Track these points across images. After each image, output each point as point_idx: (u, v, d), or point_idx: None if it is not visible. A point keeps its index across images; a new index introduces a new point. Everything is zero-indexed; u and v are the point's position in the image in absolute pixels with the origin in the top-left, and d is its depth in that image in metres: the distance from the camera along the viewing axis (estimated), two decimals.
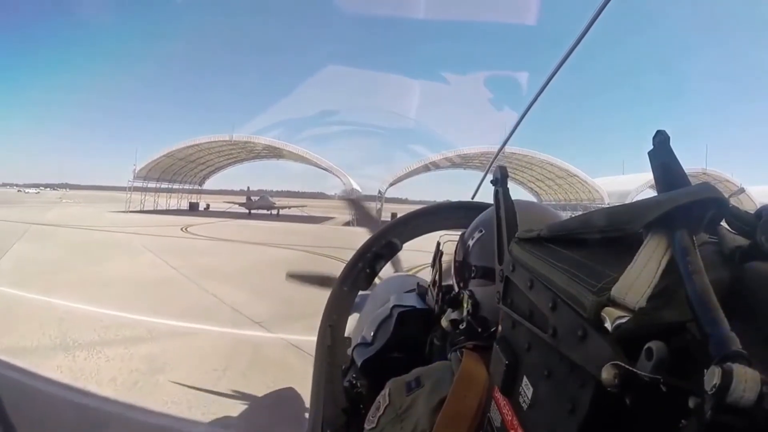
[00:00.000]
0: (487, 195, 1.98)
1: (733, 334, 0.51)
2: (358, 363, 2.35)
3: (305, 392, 3.20)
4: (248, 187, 63.13)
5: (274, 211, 58.50)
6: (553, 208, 1.64)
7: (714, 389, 0.46)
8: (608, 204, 33.94)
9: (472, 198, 3.38)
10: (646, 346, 0.56)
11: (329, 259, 18.96)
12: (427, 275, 2.61)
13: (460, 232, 1.88)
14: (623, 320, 0.58)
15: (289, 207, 62.90)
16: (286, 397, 5.67)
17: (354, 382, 2.39)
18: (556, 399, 0.72)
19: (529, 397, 0.81)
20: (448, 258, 1.98)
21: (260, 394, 6.25)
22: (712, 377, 0.47)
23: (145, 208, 53.71)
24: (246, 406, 5.95)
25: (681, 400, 0.53)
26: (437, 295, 1.96)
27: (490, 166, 4.88)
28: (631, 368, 0.55)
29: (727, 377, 0.46)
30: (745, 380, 0.45)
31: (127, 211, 49.50)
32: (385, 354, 2.25)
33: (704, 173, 43.72)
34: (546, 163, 48.84)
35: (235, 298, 11.29)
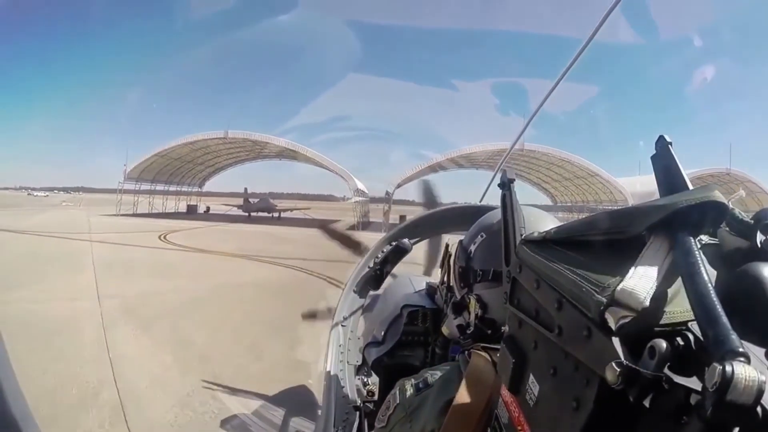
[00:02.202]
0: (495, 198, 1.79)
1: (734, 333, 0.52)
2: (370, 361, 2.47)
3: (317, 390, 3.47)
4: (245, 189, 59.46)
5: (276, 214, 55.06)
6: (550, 212, 1.76)
7: (715, 387, 0.47)
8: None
9: (480, 201, 3.41)
10: (648, 345, 0.58)
11: (320, 279, 15.54)
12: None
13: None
14: (627, 320, 0.60)
15: (291, 210, 59.51)
16: (298, 394, 5.99)
17: (365, 380, 2.68)
18: (561, 396, 0.74)
19: (536, 394, 0.83)
20: None
21: (273, 392, 6.23)
22: (713, 375, 0.48)
23: (138, 212, 50.47)
24: (259, 404, 6.00)
25: (683, 397, 0.54)
26: (446, 294, 2.05)
27: (498, 169, 4.42)
28: (634, 366, 0.57)
29: (727, 375, 0.47)
30: (745, 378, 0.47)
31: (117, 215, 46.64)
32: (396, 352, 2.36)
33: (728, 173, 42.21)
34: (565, 162, 44.89)
35: (143, 372, 7.17)
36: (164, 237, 28.57)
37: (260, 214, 54.06)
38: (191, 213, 57.21)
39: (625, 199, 42.44)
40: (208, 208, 62.64)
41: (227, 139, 46.89)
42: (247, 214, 54.06)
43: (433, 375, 1.38)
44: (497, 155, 39.14)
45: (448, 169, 49.16)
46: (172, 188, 57.83)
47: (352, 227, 41.86)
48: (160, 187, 55.56)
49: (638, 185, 41.75)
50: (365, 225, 42.73)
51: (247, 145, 51.01)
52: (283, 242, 28.01)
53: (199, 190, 63.60)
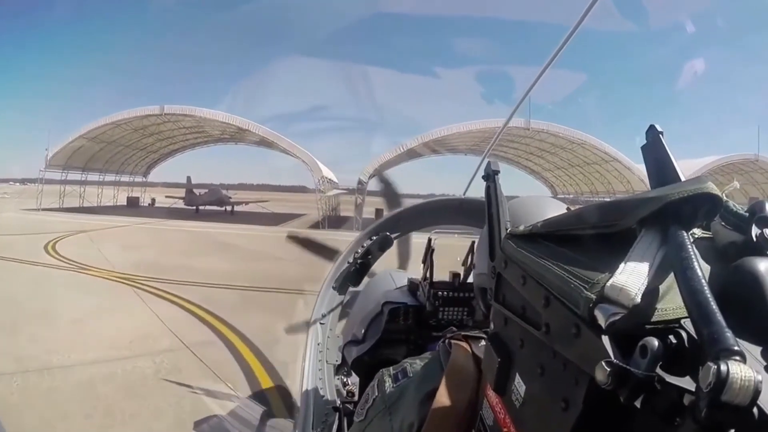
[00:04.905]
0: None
1: (729, 331, 0.51)
2: (349, 361, 2.47)
3: (295, 390, 3.14)
4: (189, 178, 50.00)
5: (229, 208, 46.83)
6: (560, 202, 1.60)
7: (709, 387, 0.46)
8: None
9: (464, 193, 3.24)
10: (640, 343, 0.56)
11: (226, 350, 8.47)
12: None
13: (451, 229, 2.24)
14: (617, 317, 0.58)
15: (246, 203, 50.71)
16: (276, 394, 6.13)
17: (345, 379, 2.71)
18: (549, 396, 0.72)
19: (522, 395, 0.81)
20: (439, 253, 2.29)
21: (249, 392, 6.18)
22: (708, 375, 0.47)
23: (65, 205, 42.65)
24: (236, 404, 5.89)
25: (676, 397, 0.53)
26: (428, 291, 2.25)
27: (483, 159, 4.23)
28: (625, 365, 0.55)
29: (722, 375, 0.46)
30: (741, 378, 0.46)
31: (38, 209, 39.12)
32: (377, 351, 2.34)
33: (756, 160, 37.54)
34: (576, 145, 37.80)
35: None
36: (53, 245, 20.69)
37: (210, 207, 45.98)
38: (132, 206, 48.80)
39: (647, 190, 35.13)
40: (153, 201, 53.95)
41: (164, 116, 38.47)
42: (193, 207, 45.80)
43: (413, 365, 1.34)
44: (486, 137, 34.25)
45: (428, 155, 43.51)
46: (109, 177, 49.40)
47: (316, 225, 35.37)
48: (94, 177, 47.23)
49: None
50: (337, 222, 35.44)
51: (195, 126, 42.77)
52: (217, 250, 21.24)
53: (144, 179, 54.87)
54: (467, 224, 2.89)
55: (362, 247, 2.83)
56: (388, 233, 2.80)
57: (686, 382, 0.53)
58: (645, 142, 0.84)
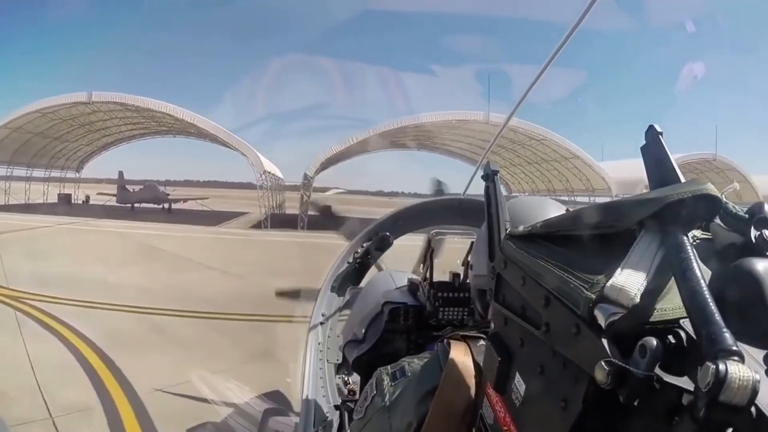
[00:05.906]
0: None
1: (727, 331, 0.51)
2: (350, 360, 2.42)
3: (296, 390, 3.19)
4: (120, 173, 45.78)
5: (166, 205, 43.75)
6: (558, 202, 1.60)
7: (708, 387, 0.47)
8: (616, 197, 26.59)
9: (463, 193, 3.23)
10: (639, 343, 0.57)
11: None
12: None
13: (451, 229, 2.20)
14: (616, 317, 0.59)
15: (185, 200, 47.74)
16: (276, 393, 5.70)
17: (346, 378, 2.68)
18: (549, 395, 0.73)
19: (522, 394, 0.82)
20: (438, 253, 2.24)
21: (249, 392, 5.90)
22: (706, 375, 0.47)
23: None
24: (233, 407, 5.70)
25: (674, 397, 0.54)
26: (428, 291, 2.23)
27: (482, 159, 4.37)
28: (624, 365, 0.56)
29: (720, 375, 0.46)
30: (739, 378, 0.46)
31: None
32: (377, 351, 2.31)
33: (714, 159, 38.21)
34: (535, 141, 36.20)
35: None
36: None
37: (146, 205, 42.93)
38: (64, 204, 44.36)
39: (608, 188, 34.55)
40: (87, 198, 49.57)
41: (93, 104, 34.42)
42: (128, 205, 42.51)
43: (411, 364, 1.35)
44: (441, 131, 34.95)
45: (388, 149, 42.37)
46: (38, 173, 45.05)
47: (258, 225, 33.18)
48: (21, 172, 42.92)
49: (621, 170, 33.81)
50: (281, 221, 32.87)
51: (129, 117, 39.40)
52: (141, 258, 18.29)
53: (77, 175, 50.36)
54: (466, 224, 2.75)
55: (361, 247, 2.88)
56: (387, 233, 2.82)
57: (685, 382, 0.53)
58: (644, 142, 0.82)
